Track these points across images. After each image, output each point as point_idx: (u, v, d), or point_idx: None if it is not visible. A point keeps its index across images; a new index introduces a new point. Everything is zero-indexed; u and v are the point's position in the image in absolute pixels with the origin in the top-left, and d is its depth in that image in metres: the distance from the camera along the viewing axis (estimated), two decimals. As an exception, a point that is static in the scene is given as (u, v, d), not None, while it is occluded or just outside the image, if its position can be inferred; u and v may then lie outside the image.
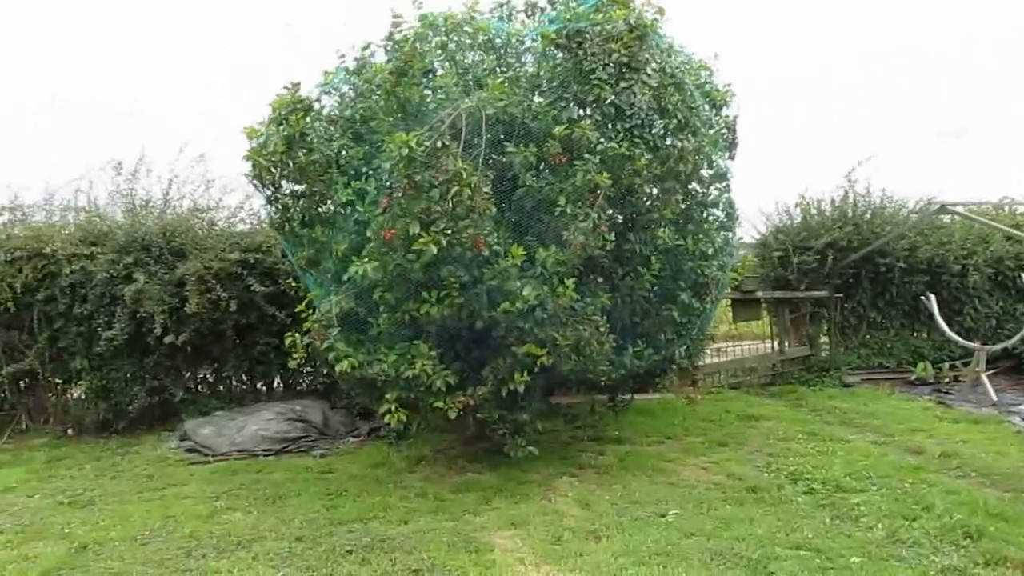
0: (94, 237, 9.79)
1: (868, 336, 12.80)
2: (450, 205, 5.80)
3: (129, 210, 10.32)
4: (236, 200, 10.76)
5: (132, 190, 10.47)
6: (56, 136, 24.82)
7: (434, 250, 5.78)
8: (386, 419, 6.40)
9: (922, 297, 11.97)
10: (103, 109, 30.60)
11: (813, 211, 12.73)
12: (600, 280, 6.77)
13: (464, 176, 5.79)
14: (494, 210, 6.16)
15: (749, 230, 12.61)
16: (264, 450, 8.57)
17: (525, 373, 6.28)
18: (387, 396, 6.38)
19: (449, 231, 5.83)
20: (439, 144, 5.90)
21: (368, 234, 6.21)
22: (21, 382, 10.26)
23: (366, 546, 5.45)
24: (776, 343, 12.78)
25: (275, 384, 11.09)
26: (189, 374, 10.62)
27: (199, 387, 10.86)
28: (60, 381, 10.34)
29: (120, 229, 9.83)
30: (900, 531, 5.40)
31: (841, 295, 12.54)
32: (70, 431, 10.01)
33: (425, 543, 5.45)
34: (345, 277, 6.32)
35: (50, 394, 10.45)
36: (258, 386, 11.04)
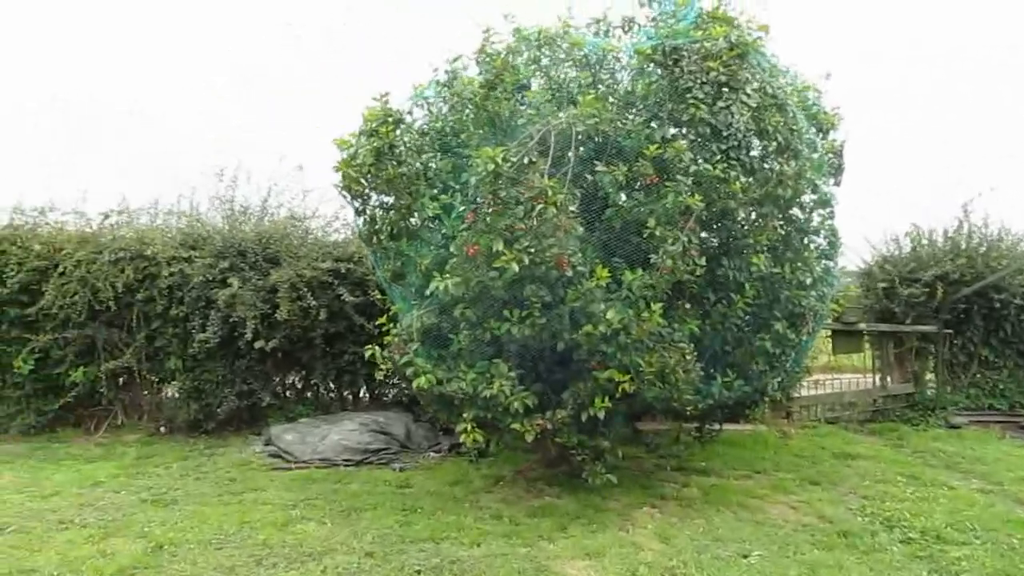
0: (193, 241, 10.08)
1: (979, 375, 12.11)
2: (534, 222, 5.67)
3: (228, 216, 10.58)
4: (332, 209, 10.93)
5: (232, 197, 10.73)
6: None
7: (516, 268, 5.65)
8: (462, 438, 6.31)
9: (1041, 337, 11.30)
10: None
11: (924, 241, 12.17)
12: (689, 306, 6.51)
13: (550, 194, 5.66)
14: (580, 229, 6.00)
15: (852, 258, 12.15)
16: (345, 460, 8.59)
17: (606, 399, 6.08)
18: (464, 415, 6.29)
19: (533, 249, 5.69)
20: (526, 160, 5.79)
21: (452, 249, 6.14)
22: (119, 378, 10.58)
23: (435, 567, 5.35)
24: (878, 378, 12.20)
25: (361, 393, 11.18)
26: (278, 380, 10.81)
27: (287, 393, 11.05)
28: (155, 379, 10.66)
29: (218, 234, 10.08)
30: (1005, 592, 5.00)
31: (950, 331, 11.93)
32: (162, 429, 10.29)
33: (495, 568, 5.32)
34: (427, 292, 6.25)
35: (145, 392, 10.77)
36: (344, 395, 11.15)
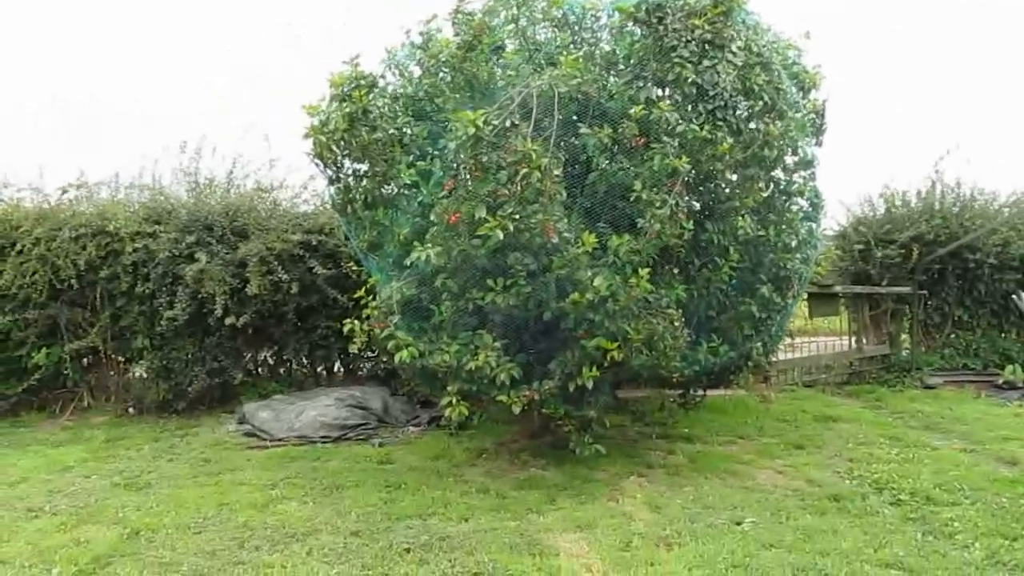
0: (157, 215, 9.75)
1: (953, 336, 12.18)
2: (518, 188, 5.49)
3: (193, 189, 10.27)
4: (300, 180, 10.67)
5: (196, 169, 10.41)
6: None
7: (500, 235, 5.47)
8: (447, 412, 6.13)
9: (1013, 296, 11.36)
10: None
11: (898, 202, 12.17)
12: (675, 271, 6.38)
13: (534, 158, 5.47)
14: (565, 194, 5.84)
15: (828, 221, 12.12)
16: (322, 437, 8.39)
17: (594, 368, 5.94)
18: (448, 388, 6.12)
19: (517, 216, 5.50)
20: (508, 123, 5.59)
21: (432, 217, 5.95)
22: (84, 359, 10.27)
23: (424, 545, 5.19)
24: (854, 340, 12.22)
25: (335, 368, 10.97)
26: (249, 356, 10.58)
27: (259, 370, 10.82)
28: (122, 359, 10.35)
29: (183, 208, 9.77)
30: (1000, 552, 4.93)
31: (925, 292, 11.95)
32: (131, 410, 10.00)
33: (486, 544, 5.17)
34: (407, 262, 6.05)
35: (112, 372, 10.47)
36: (318, 370, 10.94)
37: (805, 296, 11.25)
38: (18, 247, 9.42)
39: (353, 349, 7.27)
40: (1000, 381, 11.00)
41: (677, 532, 5.33)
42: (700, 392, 8.00)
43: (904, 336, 12.36)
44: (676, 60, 6.07)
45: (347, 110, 6.20)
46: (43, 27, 29.85)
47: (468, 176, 5.69)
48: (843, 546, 5.03)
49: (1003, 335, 12.37)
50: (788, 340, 9.94)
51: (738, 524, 5.49)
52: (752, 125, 6.45)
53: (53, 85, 29.54)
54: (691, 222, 6.10)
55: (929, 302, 12.06)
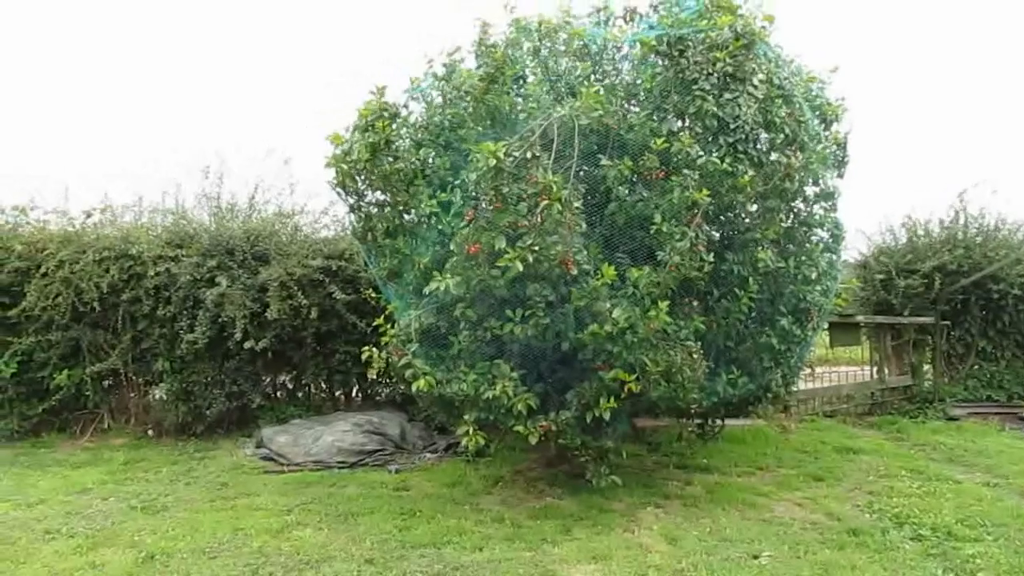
0: (179, 239, 9.85)
1: (976, 367, 12.04)
2: (538, 219, 5.49)
3: (215, 214, 10.36)
4: (321, 205, 10.74)
5: (218, 193, 10.51)
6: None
7: (520, 266, 5.47)
8: (464, 441, 6.11)
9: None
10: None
11: (920, 232, 12.08)
12: (694, 303, 6.35)
13: (554, 189, 5.48)
14: (584, 226, 5.84)
15: (850, 251, 12.08)
16: (339, 462, 8.40)
17: (612, 399, 5.91)
18: (465, 417, 6.10)
19: (536, 247, 5.50)
20: (528, 155, 5.60)
21: (452, 247, 5.95)
22: (105, 381, 10.35)
23: (438, 574, 5.19)
24: (875, 371, 12.10)
25: (353, 393, 10.99)
26: (268, 380, 10.62)
27: (277, 394, 10.86)
28: (143, 382, 10.43)
29: (205, 232, 9.85)
30: (1024, 591, 4.86)
31: (948, 322, 11.84)
32: (150, 432, 10.08)
33: (500, 574, 5.16)
34: (426, 291, 6.06)
35: (132, 394, 10.53)
36: (336, 395, 10.96)
37: (826, 326, 11.20)
38: (43, 269, 9.53)
39: (371, 375, 7.27)
40: (1025, 413, 10.87)
41: (693, 565, 5.29)
42: (719, 422, 7.93)
43: (927, 367, 12.22)
44: (697, 93, 6.08)
45: (370, 140, 6.24)
46: (42, 28, 30.47)
47: (488, 207, 5.69)
48: (862, 583, 4.98)
49: (1028, 366, 12.22)
50: (808, 370, 9.86)
51: (755, 558, 5.45)
52: (773, 157, 6.42)
53: (53, 85, 30.06)
54: (711, 253, 6.06)
55: (952, 332, 11.95)
